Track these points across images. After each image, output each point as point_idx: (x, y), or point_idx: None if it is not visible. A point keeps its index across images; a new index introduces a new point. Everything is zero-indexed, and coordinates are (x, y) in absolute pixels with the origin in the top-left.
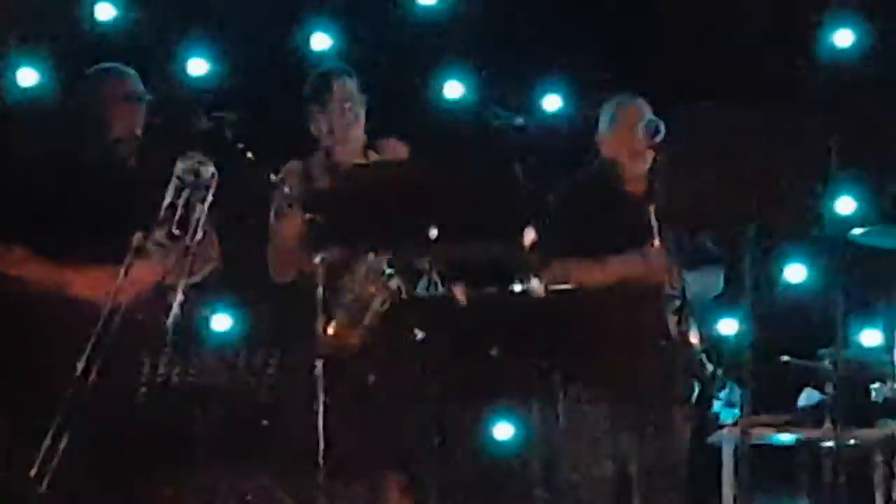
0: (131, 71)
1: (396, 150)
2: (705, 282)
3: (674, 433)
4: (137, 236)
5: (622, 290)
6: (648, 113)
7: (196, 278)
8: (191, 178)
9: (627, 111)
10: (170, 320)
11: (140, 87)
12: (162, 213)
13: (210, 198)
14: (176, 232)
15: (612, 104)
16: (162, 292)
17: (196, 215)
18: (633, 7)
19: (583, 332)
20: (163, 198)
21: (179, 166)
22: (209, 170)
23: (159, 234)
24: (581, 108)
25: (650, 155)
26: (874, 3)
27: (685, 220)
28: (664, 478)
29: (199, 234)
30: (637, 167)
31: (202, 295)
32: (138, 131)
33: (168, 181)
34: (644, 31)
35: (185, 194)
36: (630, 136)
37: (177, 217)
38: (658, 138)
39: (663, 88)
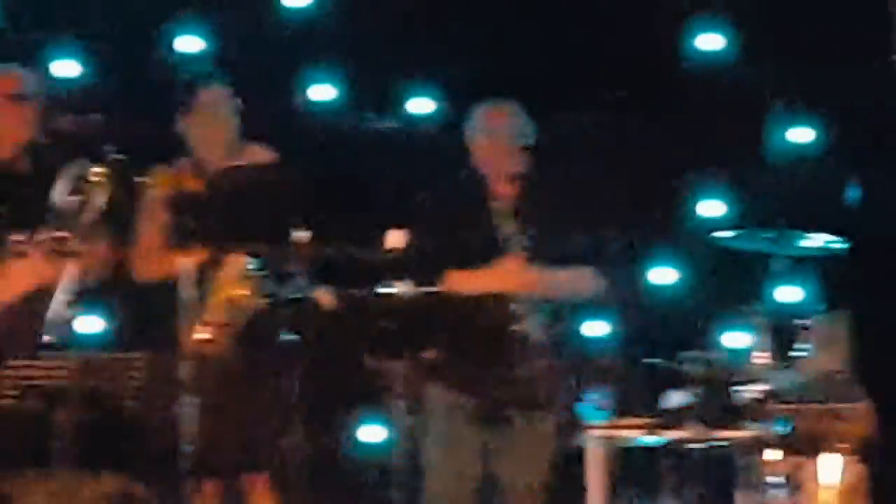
0: (17, 70)
1: (260, 154)
2: (577, 284)
3: (540, 436)
4: (18, 237)
5: (489, 293)
6: (518, 116)
7: (83, 281)
8: (79, 181)
9: (497, 114)
10: (47, 321)
11: (28, 86)
12: (49, 214)
13: (99, 200)
14: (62, 234)
15: (481, 107)
16: (43, 294)
17: (83, 218)
18: (508, 12)
19: (449, 334)
20: (49, 199)
21: (69, 169)
22: (97, 172)
23: (45, 236)
24: (450, 112)
25: (519, 158)
26: (741, 8)
27: (556, 222)
28: (529, 480)
29: (86, 237)
30: (506, 170)
31: (74, 296)
32: (30, 132)
33: (57, 183)
34: (519, 37)
35: (72, 196)
36: (499, 139)
37: (63, 219)
38: (529, 142)
39: (537, 94)
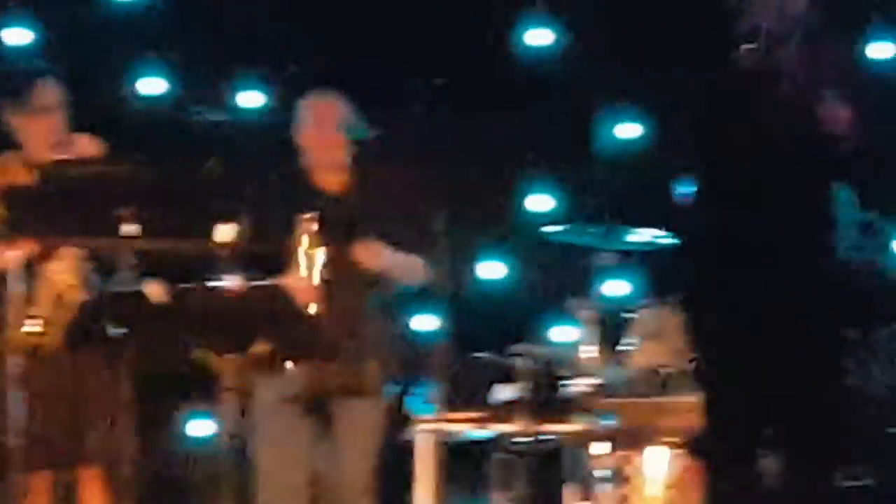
0: None
1: (89, 147)
2: (408, 271)
3: (367, 429)
4: None
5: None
6: (346, 109)
7: None
8: None
9: (323, 106)
10: None
11: None
12: None
13: None
14: None
15: (309, 100)
16: None
17: None
18: (337, 6)
19: (280, 328)
20: None
21: None
22: None
23: None
24: (280, 105)
25: (346, 150)
26: (568, 3)
27: (387, 215)
28: (356, 474)
29: None
30: (334, 163)
31: None
32: None
33: None
34: (350, 31)
35: None
36: (325, 130)
37: None
38: (358, 136)
39: (367, 87)
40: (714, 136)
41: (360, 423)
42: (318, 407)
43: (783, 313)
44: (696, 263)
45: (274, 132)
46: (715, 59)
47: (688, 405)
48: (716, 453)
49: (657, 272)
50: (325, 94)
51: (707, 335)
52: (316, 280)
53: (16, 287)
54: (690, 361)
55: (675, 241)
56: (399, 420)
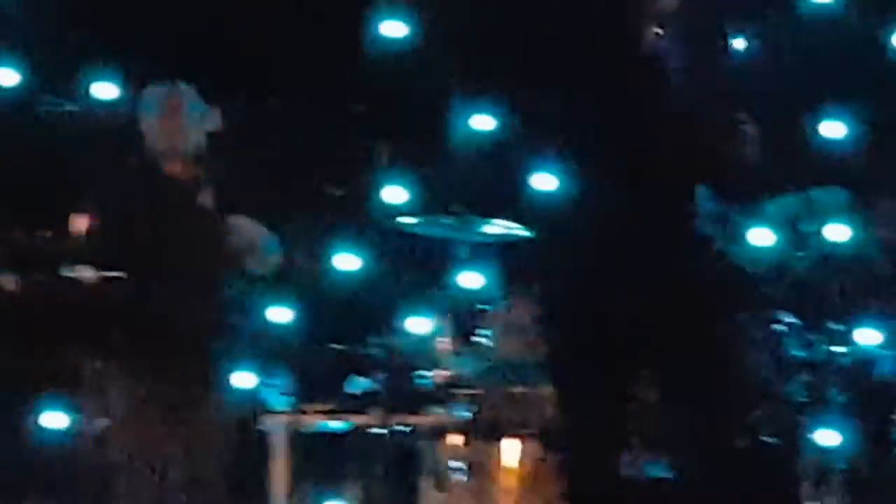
0: None
1: None
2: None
3: (221, 421)
4: None
5: (175, 276)
6: (194, 100)
7: None
8: None
9: (172, 98)
10: None
11: None
12: None
13: None
14: None
15: (155, 91)
16: None
17: None
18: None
19: (134, 320)
20: None
21: None
22: None
23: None
24: (130, 96)
25: (194, 139)
26: None
27: (237, 205)
28: (210, 465)
29: None
30: (181, 151)
31: None
32: None
33: None
34: (203, 22)
35: None
36: (175, 122)
37: None
38: (209, 126)
39: (218, 80)
40: (585, 127)
41: (213, 415)
42: (174, 398)
43: (641, 303)
44: (552, 254)
45: (128, 123)
46: (585, 52)
47: (543, 396)
48: (572, 444)
49: (513, 264)
50: (172, 85)
51: (561, 326)
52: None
53: None
54: (546, 352)
55: (530, 233)
56: (254, 412)
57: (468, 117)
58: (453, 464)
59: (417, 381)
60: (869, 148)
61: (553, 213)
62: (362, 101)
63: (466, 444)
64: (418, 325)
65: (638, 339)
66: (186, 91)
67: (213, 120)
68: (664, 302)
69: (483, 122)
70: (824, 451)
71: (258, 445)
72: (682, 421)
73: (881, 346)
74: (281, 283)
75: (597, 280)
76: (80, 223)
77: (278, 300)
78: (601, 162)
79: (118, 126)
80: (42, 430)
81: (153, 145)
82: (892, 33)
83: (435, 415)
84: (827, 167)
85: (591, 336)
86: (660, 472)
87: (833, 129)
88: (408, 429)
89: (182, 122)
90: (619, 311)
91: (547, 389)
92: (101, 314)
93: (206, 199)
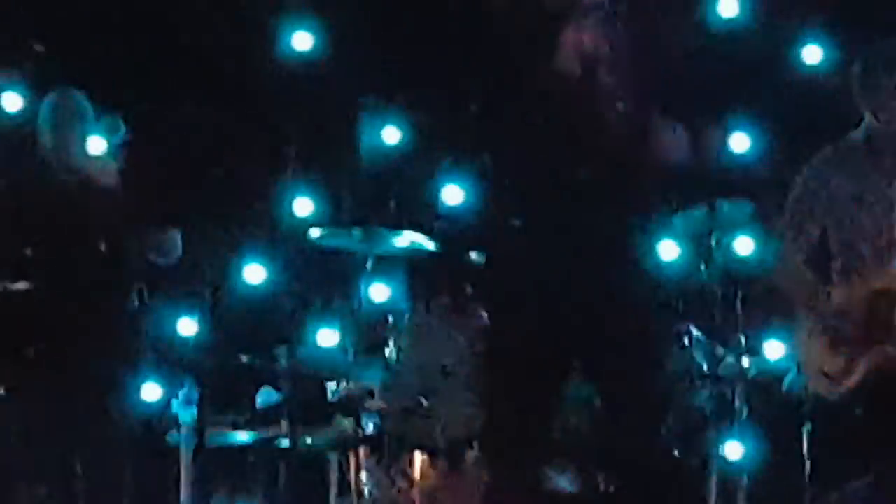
0: None
1: None
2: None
3: (126, 433)
4: None
5: (76, 286)
6: (86, 106)
7: None
8: None
9: (68, 105)
10: None
11: None
12: None
13: None
14: None
15: (53, 97)
16: None
17: None
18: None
19: (37, 332)
20: None
21: None
22: None
23: None
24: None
25: (96, 149)
26: (328, 5)
27: (151, 214)
28: (113, 479)
29: None
30: (77, 161)
31: None
32: None
33: None
34: (109, 32)
35: None
36: (74, 129)
37: None
38: (117, 136)
39: (123, 89)
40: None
41: (117, 427)
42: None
43: (561, 317)
44: (460, 266)
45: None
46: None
47: (453, 409)
48: (489, 457)
49: (421, 275)
50: (70, 92)
51: (476, 338)
52: None
53: None
54: (458, 365)
55: (437, 245)
56: (164, 423)
57: (377, 129)
58: (362, 476)
59: (326, 392)
60: (774, 161)
61: (462, 225)
62: (270, 112)
63: (375, 456)
64: (326, 336)
65: (556, 353)
66: (80, 98)
67: (116, 128)
68: (581, 316)
69: (392, 134)
70: (731, 464)
71: (165, 458)
72: (598, 434)
73: (788, 360)
74: (188, 293)
75: (513, 294)
76: None
77: (185, 311)
78: (512, 173)
79: (20, 136)
80: None
81: (48, 154)
82: (799, 47)
83: (343, 427)
84: (733, 179)
85: (511, 350)
86: (575, 485)
87: (739, 141)
88: (316, 441)
89: (75, 130)
90: (540, 325)
91: (459, 402)
92: (17, 325)
93: (108, 206)
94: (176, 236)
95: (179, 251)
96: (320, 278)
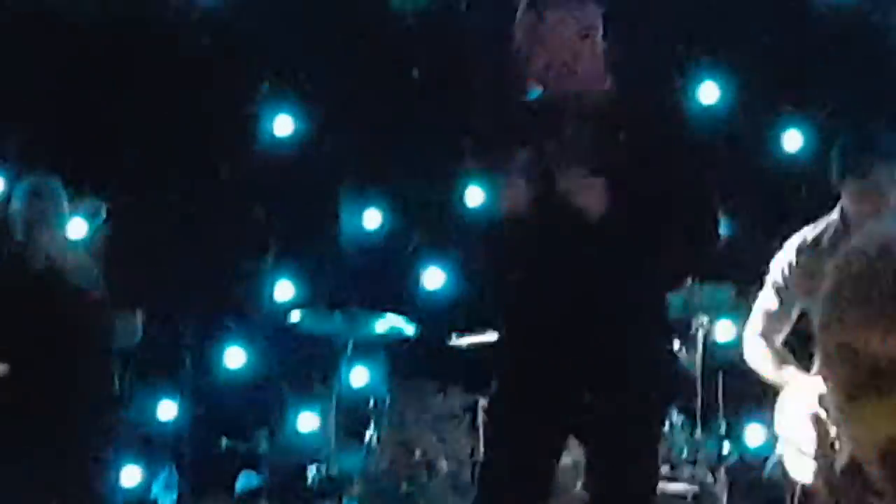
0: None
1: None
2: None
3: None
4: None
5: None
6: (57, 193)
7: None
8: None
9: (41, 192)
10: None
11: None
12: None
13: None
14: None
15: (25, 184)
16: None
17: None
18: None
19: (14, 415)
20: None
21: None
22: None
23: None
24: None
25: (74, 233)
26: (313, 93)
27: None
28: None
29: None
30: (51, 245)
31: None
32: None
33: None
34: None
35: None
36: (47, 217)
37: None
38: (98, 219)
39: (105, 175)
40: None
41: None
42: None
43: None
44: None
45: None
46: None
47: (432, 494)
48: None
49: (401, 359)
50: (41, 177)
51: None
52: None
53: None
54: None
55: (417, 328)
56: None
57: (357, 210)
58: None
59: (306, 476)
60: (755, 244)
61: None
62: (251, 196)
63: None
64: (308, 420)
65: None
66: (55, 184)
67: (97, 211)
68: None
69: (373, 218)
70: None
71: None
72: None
73: (769, 446)
74: (169, 377)
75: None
76: None
77: (165, 395)
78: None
79: None
80: None
81: (20, 237)
82: (779, 133)
83: None
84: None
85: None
86: None
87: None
88: None
89: (51, 214)
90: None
91: (434, 487)
92: None
93: (82, 295)
94: (135, 319)
95: (139, 335)
96: (302, 361)
